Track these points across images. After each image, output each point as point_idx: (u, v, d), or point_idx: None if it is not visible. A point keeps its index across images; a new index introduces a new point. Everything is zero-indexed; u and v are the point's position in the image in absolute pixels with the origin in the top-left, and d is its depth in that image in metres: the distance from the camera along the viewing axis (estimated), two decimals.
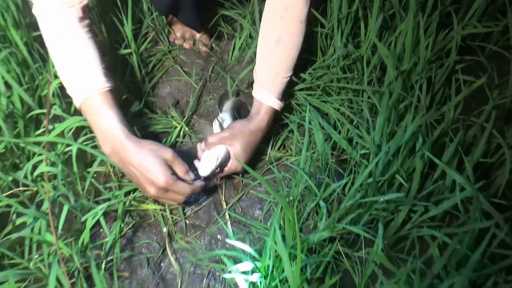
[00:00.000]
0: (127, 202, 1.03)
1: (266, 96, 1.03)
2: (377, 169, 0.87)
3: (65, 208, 0.88)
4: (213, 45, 1.39)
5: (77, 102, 0.92)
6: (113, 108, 0.92)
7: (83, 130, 1.06)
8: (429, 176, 0.97)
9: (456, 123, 0.98)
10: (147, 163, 0.88)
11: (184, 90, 1.28)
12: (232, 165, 1.03)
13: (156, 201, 1.05)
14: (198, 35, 1.38)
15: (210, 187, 1.10)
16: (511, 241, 0.79)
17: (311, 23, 1.14)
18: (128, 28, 1.16)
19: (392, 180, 0.91)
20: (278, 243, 0.77)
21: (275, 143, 1.16)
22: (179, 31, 1.38)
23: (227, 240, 1.03)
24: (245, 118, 1.06)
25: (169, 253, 1.00)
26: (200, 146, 1.05)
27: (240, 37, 1.32)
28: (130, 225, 1.05)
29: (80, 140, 1.00)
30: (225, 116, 1.12)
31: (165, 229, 1.05)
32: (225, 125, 1.08)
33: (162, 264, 1.00)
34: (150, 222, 1.06)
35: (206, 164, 0.98)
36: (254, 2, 1.25)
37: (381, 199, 0.83)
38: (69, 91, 0.94)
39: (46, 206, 0.87)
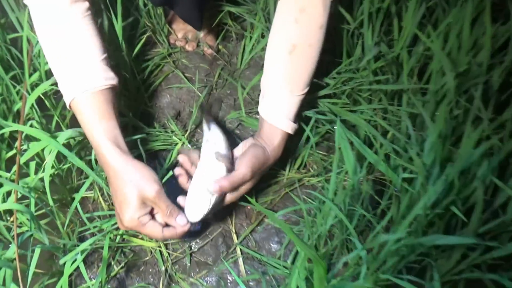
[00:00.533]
0: (118, 237, 0.86)
1: (280, 119, 0.83)
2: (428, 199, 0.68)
3: (37, 252, 0.70)
4: (220, 46, 1.21)
5: (66, 100, 0.77)
6: (105, 114, 0.76)
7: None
8: (488, 205, 0.78)
9: None
10: (121, 196, 0.72)
11: (186, 99, 1.11)
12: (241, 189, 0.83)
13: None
14: (202, 36, 1.20)
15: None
16: None
17: (333, 18, 0.96)
18: (118, 27, 0.98)
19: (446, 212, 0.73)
20: None
21: (293, 162, 0.98)
22: (181, 31, 1.20)
23: (239, 282, 0.85)
24: (256, 145, 0.84)
25: None
26: (182, 179, 0.81)
27: (250, 38, 1.14)
28: (122, 264, 0.87)
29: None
30: (215, 137, 0.87)
31: (163, 268, 0.87)
32: (216, 148, 0.84)
33: None
34: (146, 260, 0.89)
35: (194, 208, 0.76)
36: None
37: (439, 242, 0.64)
38: (59, 87, 0.78)
39: (13, 251, 0.69)
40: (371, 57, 0.92)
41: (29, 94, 0.84)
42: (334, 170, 0.78)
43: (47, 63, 0.90)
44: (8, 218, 0.88)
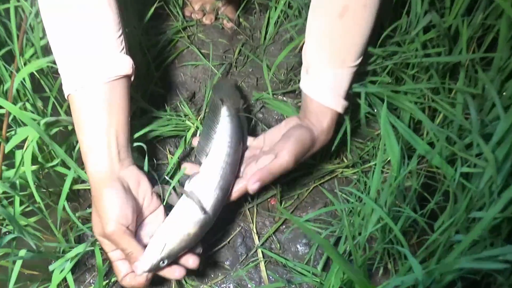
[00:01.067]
0: None
1: (330, 96, 0.69)
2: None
3: (18, 265, 0.59)
4: (241, 19, 1.07)
5: (65, 91, 0.64)
6: (110, 111, 0.64)
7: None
8: None
9: None
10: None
11: (202, 78, 0.98)
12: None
13: None
14: (221, 7, 1.06)
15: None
16: None
17: None
18: None
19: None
20: None
21: (324, 151, 0.84)
22: (198, 2, 1.07)
23: None
24: (302, 127, 0.70)
25: None
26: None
27: (275, 8, 0.99)
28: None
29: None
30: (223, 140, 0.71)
31: None
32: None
33: None
34: None
35: (146, 254, 0.61)
36: None
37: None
38: (60, 71, 0.65)
39: None
40: (420, 28, 0.77)
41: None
42: (379, 163, 0.63)
43: (42, 37, 0.79)
44: None
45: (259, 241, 0.79)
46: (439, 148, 0.66)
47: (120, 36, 0.66)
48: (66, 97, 0.65)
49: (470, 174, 0.66)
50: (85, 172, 0.64)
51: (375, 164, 0.66)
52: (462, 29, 0.77)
